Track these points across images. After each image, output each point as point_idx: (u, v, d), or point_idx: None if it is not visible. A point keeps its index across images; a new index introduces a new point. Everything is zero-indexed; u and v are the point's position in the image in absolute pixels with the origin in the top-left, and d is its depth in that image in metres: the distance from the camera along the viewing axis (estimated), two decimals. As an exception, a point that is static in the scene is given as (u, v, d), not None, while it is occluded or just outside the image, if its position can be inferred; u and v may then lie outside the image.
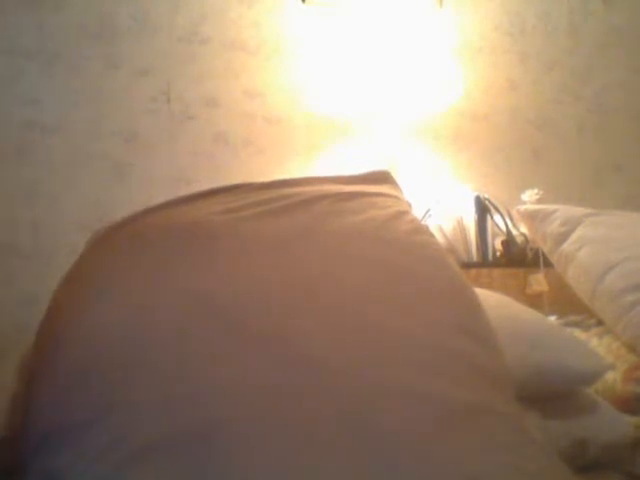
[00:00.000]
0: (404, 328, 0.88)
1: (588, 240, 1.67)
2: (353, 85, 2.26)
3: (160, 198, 1.18)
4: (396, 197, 1.21)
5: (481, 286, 1.42)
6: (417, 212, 1.52)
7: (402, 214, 1.13)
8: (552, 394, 1.22)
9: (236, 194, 1.13)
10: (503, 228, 2.16)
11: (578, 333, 1.66)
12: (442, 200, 2.22)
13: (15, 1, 2.21)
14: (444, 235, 2.14)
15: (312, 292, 0.90)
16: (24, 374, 1.02)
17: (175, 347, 0.81)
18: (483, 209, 2.16)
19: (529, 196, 2.02)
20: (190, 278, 0.91)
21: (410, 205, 1.22)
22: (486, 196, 2.19)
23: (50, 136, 2.20)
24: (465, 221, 2.15)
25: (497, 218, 2.18)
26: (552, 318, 1.80)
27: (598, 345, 1.57)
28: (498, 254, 2.14)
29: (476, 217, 2.14)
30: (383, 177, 1.29)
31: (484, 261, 2.14)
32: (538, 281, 2.02)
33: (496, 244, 2.15)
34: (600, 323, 1.67)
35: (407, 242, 1.05)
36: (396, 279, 0.96)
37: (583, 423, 1.20)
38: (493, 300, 1.28)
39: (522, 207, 1.89)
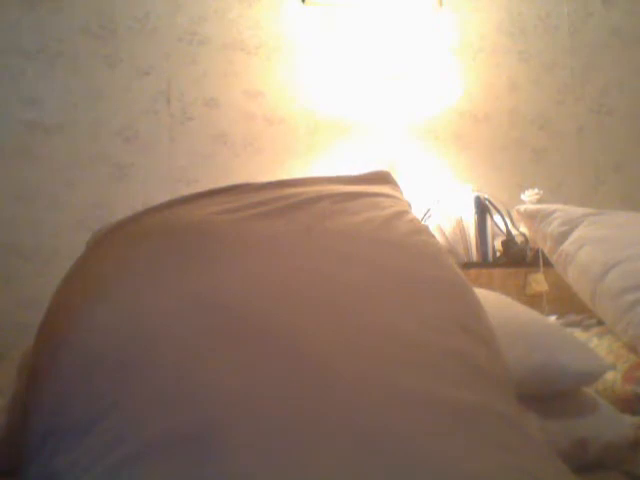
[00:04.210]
0: (404, 328, 0.88)
1: (588, 240, 1.67)
2: (353, 85, 2.26)
3: (160, 198, 1.18)
4: (396, 197, 1.21)
5: (481, 286, 1.43)
6: (417, 212, 1.53)
7: (402, 214, 1.13)
8: (552, 394, 1.22)
9: (236, 194, 1.14)
10: (503, 228, 2.16)
11: (578, 333, 1.66)
12: (442, 200, 2.22)
13: (15, 1, 2.21)
14: (444, 235, 2.14)
15: (312, 292, 0.90)
16: (24, 374, 1.02)
17: (175, 348, 0.81)
18: (483, 209, 2.16)
19: (529, 196, 2.02)
20: (190, 278, 0.91)
21: (410, 205, 1.22)
22: (486, 196, 2.19)
23: (50, 136, 2.20)
24: (465, 221, 2.15)
25: (497, 218, 2.18)
26: (552, 318, 1.80)
27: (598, 345, 1.57)
28: (498, 254, 2.14)
29: (476, 217, 2.14)
30: (383, 177, 1.29)
31: (484, 261, 2.13)
32: (538, 281, 2.02)
33: (496, 244, 2.15)
34: (600, 323, 1.67)
35: (407, 243, 1.05)
36: (396, 280, 0.96)
37: (583, 423, 1.20)
38: (493, 300, 1.28)
39: (522, 207, 1.89)
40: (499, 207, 2.19)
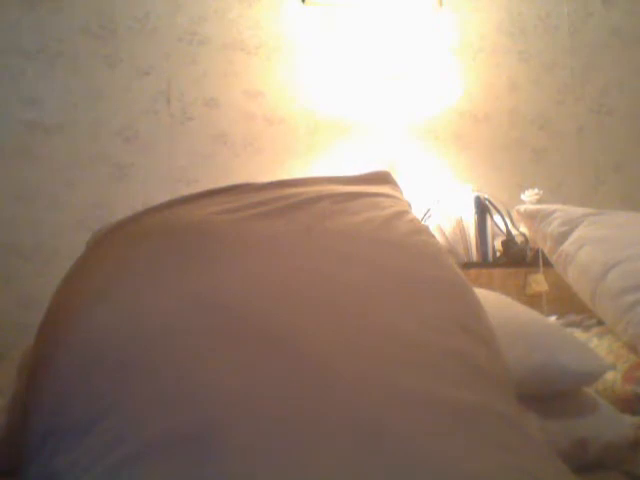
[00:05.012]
0: (405, 328, 0.88)
1: (588, 240, 1.67)
2: (353, 85, 2.26)
3: (160, 198, 1.18)
4: (396, 197, 1.21)
5: (481, 286, 1.43)
6: (417, 212, 1.53)
7: (402, 214, 1.13)
8: (552, 394, 1.22)
9: (236, 194, 1.14)
10: (503, 228, 2.16)
11: (578, 333, 1.66)
12: (442, 200, 2.22)
13: (15, 1, 2.21)
14: (444, 235, 2.14)
15: (312, 292, 0.90)
16: (24, 374, 1.02)
17: (175, 348, 0.81)
18: (483, 209, 2.16)
19: (529, 196, 2.02)
20: (190, 278, 0.91)
21: (410, 205, 1.22)
22: (486, 196, 2.19)
23: (50, 136, 2.20)
24: (465, 221, 2.15)
25: (497, 218, 2.18)
26: (552, 318, 1.80)
27: (598, 345, 1.57)
28: (498, 254, 2.14)
29: (476, 217, 2.14)
30: (383, 177, 1.29)
31: (484, 261, 2.13)
32: (538, 281, 2.02)
33: (496, 244, 2.15)
34: (600, 323, 1.67)
35: (407, 243, 1.05)
36: (396, 280, 0.96)
37: (583, 423, 1.20)
38: (493, 300, 1.28)
39: (522, 207, 1.89)
40: (499, 207, 2.19)
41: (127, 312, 0.87)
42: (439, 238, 2.08)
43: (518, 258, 2.09)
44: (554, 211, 1.79)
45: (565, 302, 1.87)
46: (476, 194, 2.19)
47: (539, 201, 1.99)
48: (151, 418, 0.73)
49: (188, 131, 2.30)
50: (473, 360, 0.87)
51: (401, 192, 1.27)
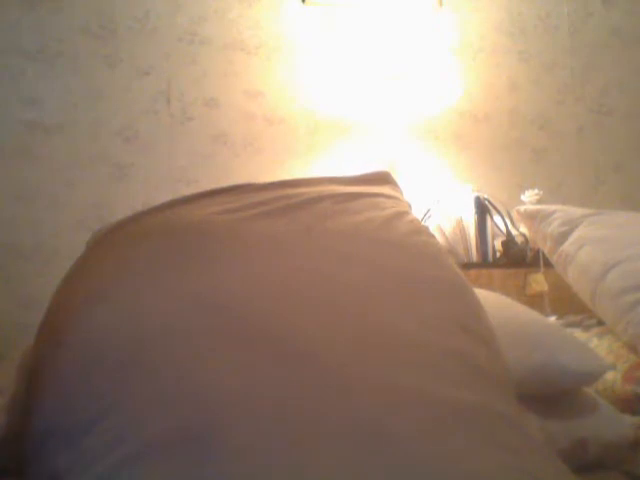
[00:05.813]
0: (405, 328, 0.88)
1: (588, 240, 1.67)
2: (353, 85, 2.26)
3: (160, 198, 1.18)
4: (396, 198, 1.21)
5: (481, 286, 1.43)
6: (417, 212, 1.53)
7: (402, 215, 1.13)
8: (552, 394, 1.22)
9: (236, 194, 1.14)
10: (503, 228, 2.16)
11: (578, 333, 1.66)
12: (442, 200, 2.22)
13: (15, 1, 2.21)
14: (444, 235, 2.14)
15: (312, 292, 0.90)
16: (24, 374, 1.02)
17: (175, 348, 0.81)
18: (483, 209, 2.16)
19: (529, 196, 2.02)
20: (190, 278, 0.91)
21: (410, 206, 1.22)
22: (486, 196, 2.19)
23: (50, 136, 2.20)
24: (465, 221, 2.15)
25: (497, 218, 2.18)
26: (552, 318, 1.80)
27: (598, 345, 1.57)
28: (498, 254, 2.14)
29: (476, 217, 2.14)
30: (383, 178, 1.29)
31: (484, 261, 2.13)
32: (538, 281, 2.02)
33: (496, 244, 2.15)
34: (600, 323, 1.67)
35: (407, 243, 1.05)
36: (396, 280, 0.96)
37: (583, 423, 1.19)
38: (493, 300, 1.28)
39: (522, 207, 1.89)
40: (499, 207, 2.19)
41: (127, 312, 0.87)
42: (439, 238, 2.08)
43: (518, 258, 2.10)
44: (554, 211, 1.79)
45: (565, 302, 1.87)
46: (476, 194, 2.19)
47: (539, 201, 1.99)
48: (151, 418, 0.73)
49: (188, 131, 2.30)
50: (473, 360, 0.87)
51: (401, 192, 1.27)
